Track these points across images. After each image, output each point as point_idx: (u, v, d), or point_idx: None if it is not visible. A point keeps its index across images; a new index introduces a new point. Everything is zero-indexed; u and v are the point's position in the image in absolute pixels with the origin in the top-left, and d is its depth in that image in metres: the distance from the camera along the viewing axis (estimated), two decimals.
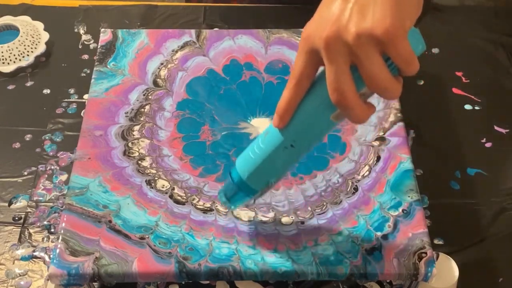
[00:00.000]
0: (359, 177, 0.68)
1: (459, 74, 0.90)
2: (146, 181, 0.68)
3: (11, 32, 0.92)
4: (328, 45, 0.48)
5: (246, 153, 0.58)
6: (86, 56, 0.91)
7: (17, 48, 0.89)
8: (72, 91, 0.87)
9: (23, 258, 0.70)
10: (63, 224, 0.63)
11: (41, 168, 0.77)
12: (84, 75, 0.88)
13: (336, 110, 0.51)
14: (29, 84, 0.88)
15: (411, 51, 0.47)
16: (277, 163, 0.56)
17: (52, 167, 0.77)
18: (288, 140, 0.54)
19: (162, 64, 0.79)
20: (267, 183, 0.58)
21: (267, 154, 0.55)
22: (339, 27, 0.47)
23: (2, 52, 0.89)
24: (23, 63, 0.89)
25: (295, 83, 0.52)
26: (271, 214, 0.65)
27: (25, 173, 0.77)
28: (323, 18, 0.49)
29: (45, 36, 0.93)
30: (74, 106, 0.85)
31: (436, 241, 0.71)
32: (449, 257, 0.65)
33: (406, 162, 0.69)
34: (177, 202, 0.66)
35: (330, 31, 0.47)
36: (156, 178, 0.68)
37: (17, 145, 0.81)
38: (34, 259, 0.69)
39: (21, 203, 0.75)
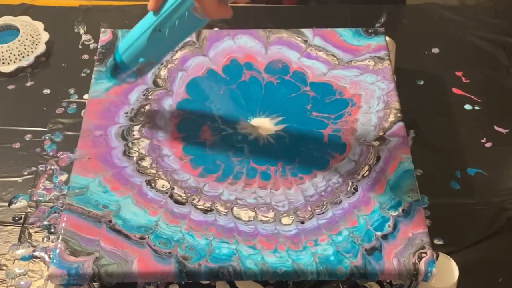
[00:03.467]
0: (359, 177, 0.68)
1: (459, 74, 0.90)
2: (146, 181, 0.68)
3: (11, 32, 0.92)
4: None
5: (128, 34, 0.67)
6: (86, 56, 0.91)
7: (17, 48, 0.89)
8: (72, 91, 0.87)
9: (23, 258, 0.70)
10: (63, 224, 0.63)
11: (41, 168, 0.77)
12: (84, 75, 0.88)
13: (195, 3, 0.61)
14: (29, 84, 0.88)
15: None
16: (147, 44, 0.65)
17: (52, 167, 0.77)
18: (157, 24, 0.64)
19: (162, 64, 0.79)
20: (137, 62, 0.67)
21: (139, 34, 0.65)
22: None
23: (2, 52, 0.89)
24: (23, 63, 0.89)
25: None
26: (271, 214, 0.65)
27: (25, 173, 0.77)
28: None
29: (45, 36, 0.93)
30: (74, 106, 0.85)
31: (436, 241, 0.71)
32: (449, 257, 0.65)
33: (406, 162, 0.69)
34: (177, 202, 0.66)
35: None
36: (156, 178, 0.68)
37: (17, 145, 0.81)
38: (34, 259, 0.69)
39: (21, 203, 0.75)
